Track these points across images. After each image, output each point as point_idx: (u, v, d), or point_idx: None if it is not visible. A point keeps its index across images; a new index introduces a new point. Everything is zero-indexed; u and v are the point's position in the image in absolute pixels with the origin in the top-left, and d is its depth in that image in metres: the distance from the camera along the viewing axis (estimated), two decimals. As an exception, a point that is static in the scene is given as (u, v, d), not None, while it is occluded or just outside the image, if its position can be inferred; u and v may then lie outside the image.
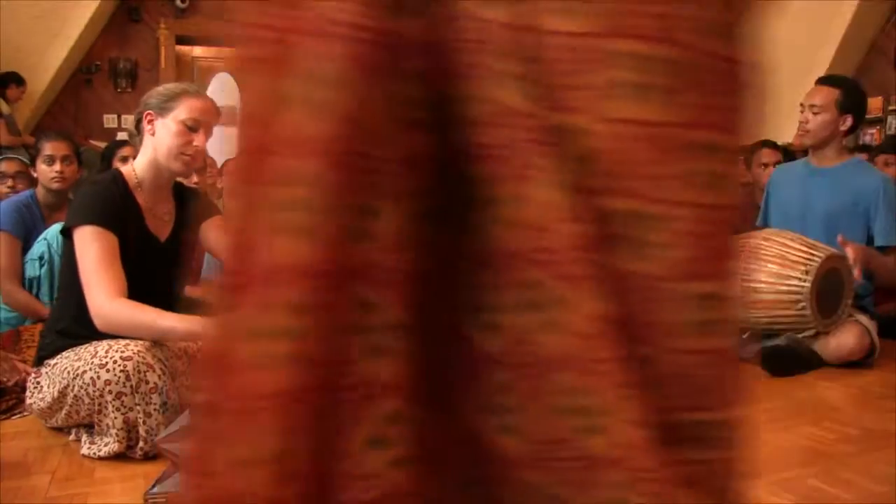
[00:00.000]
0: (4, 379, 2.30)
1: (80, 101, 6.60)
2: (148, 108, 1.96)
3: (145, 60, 6.76)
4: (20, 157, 3.93)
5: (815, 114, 2.85)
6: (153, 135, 1.95)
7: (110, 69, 6.67)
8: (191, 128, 1.93)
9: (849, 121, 2.84)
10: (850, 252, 2.55)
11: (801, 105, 2.91)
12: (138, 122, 1.98)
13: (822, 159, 2.93)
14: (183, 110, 1.92)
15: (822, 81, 2.92)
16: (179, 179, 2.16)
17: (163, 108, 1.94)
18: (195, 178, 3.31)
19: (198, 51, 7.19)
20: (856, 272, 2.55)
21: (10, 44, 5.83)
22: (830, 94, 2.84)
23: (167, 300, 1.98)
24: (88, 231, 1.83)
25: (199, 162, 2.02)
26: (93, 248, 1.82)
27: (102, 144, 5.00)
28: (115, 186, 1.93)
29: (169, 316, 1.83)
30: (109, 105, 6.66)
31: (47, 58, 6.13)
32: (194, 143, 1.93)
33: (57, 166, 3.02)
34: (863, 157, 3.52)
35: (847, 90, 2.85)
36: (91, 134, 6.40)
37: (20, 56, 5.93)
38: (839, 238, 2.60)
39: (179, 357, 1.90)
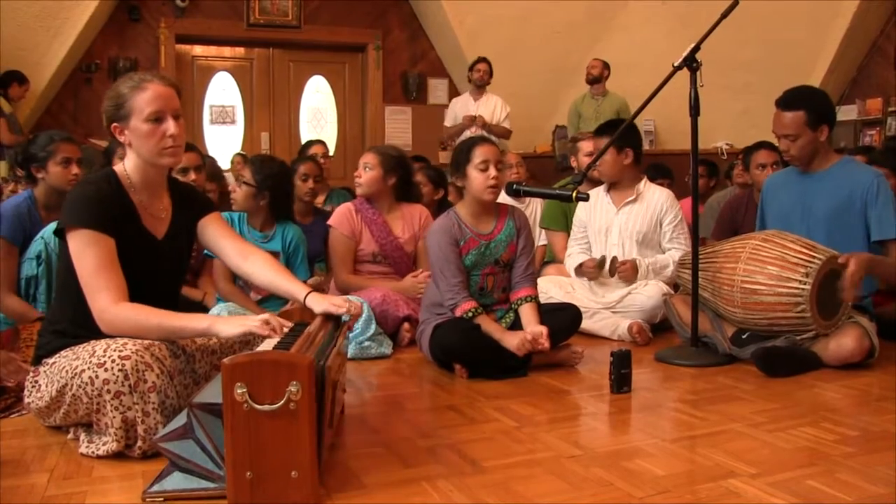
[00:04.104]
0: (10, 381, 2.30)
1: (80, 99, 6.59)
2: (111, 121, 1.91)
3: (145, 59, 6.76)
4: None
5: (792, 141, 2.85)
6: (130, 144, 1.92)
7: (110, 68, 6.66)
8: (156, 120, 1.89)
9: (825, 131, 2.84)
10: (851, 266, 2.56)
11: (775, 134, 2.91)
12: (113, 136, 1.94)
13: (813, 167, 2.92)
14: (141, 108, 1.87)
15: (785, 106, 2.85)
16: (176, 175, 2.15)
17: (122, 116, 1.89)
18: (192, 176, 3.31)
19: (198, 50, 7.19)
20: (848, 294, 2.58)
21: (10, 42, 5.83)
22: (797, 119, 2.81)
23: (167, 297, 1.98)
24: (83, 235, 1.82)
25: (183, 145, 1.96)
26: (90, 254, 1.81)
27: (104, 143, 5.00)
28: (109, 186, 1.91)
29: (175, 316, 1.83)
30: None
31: (47, 56, 6.12)
32: (169, 133, 1.90)
33: (74, 169, 3.05)
34: (861, 158, 3.52)
35: (810, 108, 2.81)
36: (91, 133, 6.40)
37: (20, 54, 5.93)
38: (841, 259, 2.60)
39: (178, 356, 1.90)
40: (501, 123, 6.19)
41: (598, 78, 6.39)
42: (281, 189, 3.18)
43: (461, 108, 6.26)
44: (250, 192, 3.11)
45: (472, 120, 6.03)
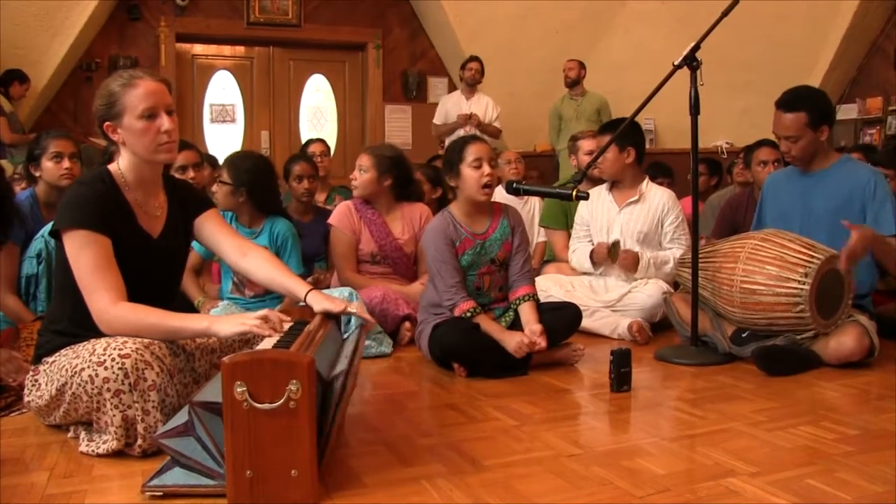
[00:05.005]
0: (10, 379, 2.30)
1: (80, 98, 6.58)
2: (103, 120, 1.91)
3: (145, 58, 6.75)
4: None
5: (793, 142, 2.85)
6: (124, 143, 1.92)
7: (110, 67, 6.65)
8: (150, 116, 1.88)
9: (826, 130, 2.84)
10: (853, 238, 2.53)
11: (776, 135, 2.91)
12: (106, 136, 1.94)
13: (813, 167, 2.92)
14: (134, 105, 1.87)
15: (785, 108, 2.85)
16: (174, 173, 2.14)
17: (115, 115, 1.89)
18: (191, 174, 3.31)
19: (198, 48, 7.18)
20: (842, 262, 2.55)
21: (10, 41, 5.83)
22: (799, 120, 2.81)
23: (164, 295, 1.98)
24: (79, 235, 1.81)
25: (177, 140, 1.95)
26: (86, 254, 1.80)
27: (103, 142, 5.00)
28: (103, 185, 1.91)
29: (173, 316, 1.83)
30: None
31: (47, 55, 6.12)
32: (163, 129, 1.89)
33: (66, 163, 3.05)
34: (858, 156, 3.52)
35: (811, 108, 2.81)
36: (91, 131, 6.40)
37: (20, 53, 5.93)
38: (845, 222, 2.58)
39: (177, 354, 1.90)
40: (493, 123, 6.20)
41: (576, 80, 6.41)
42: (258, 184, 3.08)
43: (453, 106, 6.24)
44: (228, 190, 3.09)
45: (467, 118, 6.02)
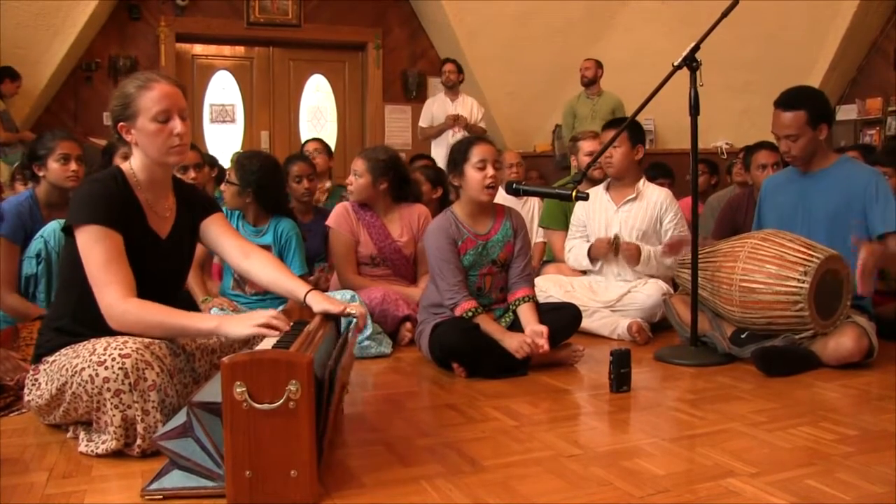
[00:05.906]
0: (8, 378, 2.30)
1: (80, 98, 6.60)
2: (118, 120, 1.92)
3: (145, 58, 6.76)
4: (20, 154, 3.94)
5: (793, 141, 2.85)
6: (137, 144, 1.93)
7: (110, 66, 6.67)
8: (163, 120, 1.90)
9: (825, 129, 2.84)
10: (862, 253, 2.53)
11: (775, 135, 2.91)
12: (119, 137, 1.95)
13: (812, 167, 2.93)
14: (148, 107, 1.88)
15: (785, 106, 2.84)
16: (179, 175, 2.15)
17: (129, 116, 1.90)
18: (192, 174, 3.31)
19: (198, 48, 7.19)
20: (863, 285, 2.51)
21: (10, 40, 5.83)
22: (798, 118, 2.81)
23: (168, 296, 1.98)
24: (92, 230, 1.82)
25: (188, 143, 1.97)
26: (99, 248, 1.81)
27: (103, 142, 5.00)
28: (116, 184, 1.92)
29: (183, 315, 1.83)
30: (109, 103, 6.63)
31: (47, 55, 6.12)
32: (175, 132, 1.91)
33: (73, 165, 3.05)
34: (855, 154, 3.52)
35: (810, 107, 2.81)
36: (91, 131, 6.40)
37: (20, 52, 5.94)
38: (853, 238, 2.58)
39: (177, 355, 1.90)
40: (479, 123, 6.21)
41: (592, 79, 6.36)
42: (264, 184, 3.10)
43: (439, 108, 6.25)
44: (235, 190, 3.10)
45: (455, 120, 6.02)
